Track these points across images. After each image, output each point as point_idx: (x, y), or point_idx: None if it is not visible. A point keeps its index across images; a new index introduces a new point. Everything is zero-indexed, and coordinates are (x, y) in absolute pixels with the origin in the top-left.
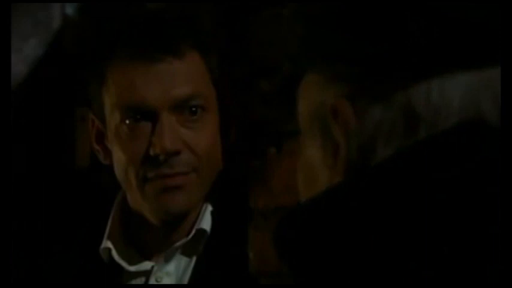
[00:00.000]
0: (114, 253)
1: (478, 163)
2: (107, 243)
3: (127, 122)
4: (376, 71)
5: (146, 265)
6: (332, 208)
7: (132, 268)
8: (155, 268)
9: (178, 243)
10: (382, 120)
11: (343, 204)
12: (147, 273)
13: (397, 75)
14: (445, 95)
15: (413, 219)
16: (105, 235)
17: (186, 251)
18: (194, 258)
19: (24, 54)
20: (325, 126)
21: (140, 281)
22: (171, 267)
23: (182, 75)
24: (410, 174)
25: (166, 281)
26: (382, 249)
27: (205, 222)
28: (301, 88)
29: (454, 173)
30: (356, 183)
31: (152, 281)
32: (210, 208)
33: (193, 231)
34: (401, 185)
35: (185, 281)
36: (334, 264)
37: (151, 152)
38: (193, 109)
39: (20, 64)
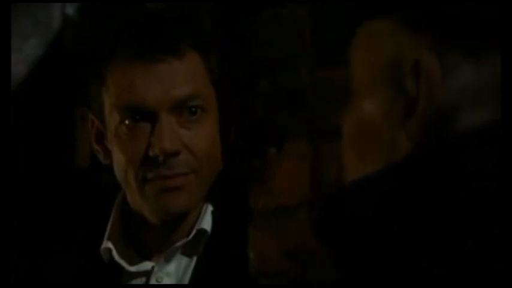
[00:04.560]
0: (114, 253)
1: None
2: (107, 244)
3: (126, 122)
4: (470, 23)
5: (146, 265)
6: (375, 192)
7: (133, 268)
8: (155, 268)
9: (178, 244)
10: (469, 83)
11: (386, 188)
12: (148, 274)
13: (493, 33)
14: None
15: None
16: (106, 235)
17: (187, 251)
18: (194, 259)
19: (24, 54)
20: (401, 79)
21: (141, 281)
22: (171, 267)
23: (182, 76)
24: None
25: (166, 281)
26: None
27: (206, 223)
28: (360, 38)
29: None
30: (401, 168)
31: (153, 281)
32: (210, 208)
33: (194, 232)
34: (443, 175)
35: (185, 281)
36: (373, 250)
37: (151, 153)
38: (193, 109)
39: (20, 64)
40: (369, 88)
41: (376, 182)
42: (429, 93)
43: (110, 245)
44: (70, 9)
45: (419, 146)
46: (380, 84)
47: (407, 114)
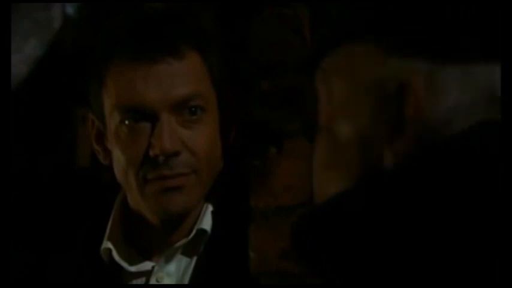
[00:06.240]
0: (114, 253)
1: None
2: (108, 244)
3: (126, 122)
4: (456, 44)
5: (147, 265)
6: (351, 209)
7: (133, 268)
8: (156, 268)
9: (178, 243)
10: (459, 102)
11: (362, 205)
12: (148, 274)
13: (479, 53)
14: None
15: (436, 221)
16: (106, 235)
17: (187, 251)
18: (195, 259)
19: (24, 54)
20: (385, 102)
21: (141, 281)
22: (171, 267)
23: (182, 76)
24: (431, 176)
25: (166, 281)
26: (401, 250)
27: (206, 222)
28: (338, 59)
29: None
30: (377, 183)
31: (153, 281)
32: (210, 208)
33: (194, 231)
34: (421, 186)
35: (186, 281)
36: (352, 264)
37: (151, 153)
38: (193, 109)
39: (20, 64)
40: (347, 110)
41: (352, 198)
42: (417, 113)
43: (109, 245)
44: (70, 9)
45: (407, 158)
46: (360, 106)
47: (398, 134)
